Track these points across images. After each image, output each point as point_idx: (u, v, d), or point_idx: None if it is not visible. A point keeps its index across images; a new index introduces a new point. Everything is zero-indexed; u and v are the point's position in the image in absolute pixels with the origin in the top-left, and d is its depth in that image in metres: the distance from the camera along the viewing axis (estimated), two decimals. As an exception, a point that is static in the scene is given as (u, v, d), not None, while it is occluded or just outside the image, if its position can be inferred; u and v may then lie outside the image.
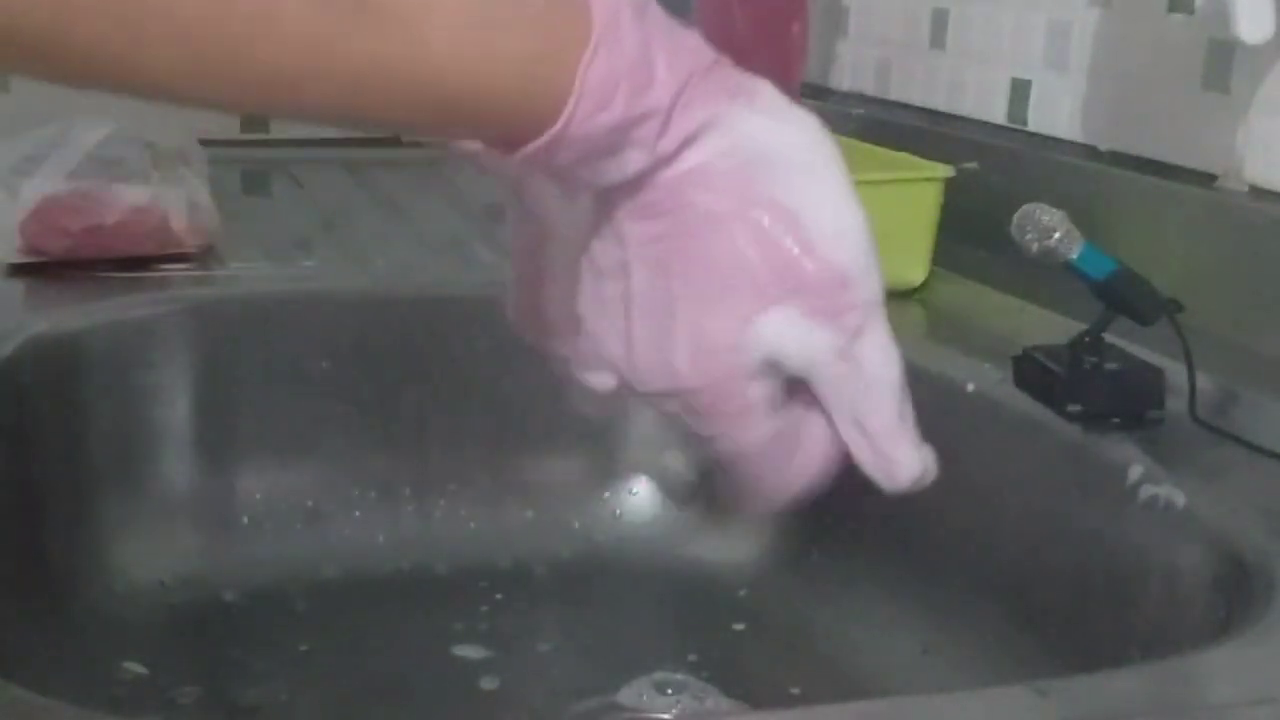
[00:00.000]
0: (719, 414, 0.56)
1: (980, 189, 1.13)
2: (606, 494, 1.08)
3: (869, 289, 0.55)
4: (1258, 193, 1.00)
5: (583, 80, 0.51)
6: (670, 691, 0.92)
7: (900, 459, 0.58)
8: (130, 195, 1.07)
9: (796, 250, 0.54)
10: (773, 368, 0.55)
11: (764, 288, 0.54)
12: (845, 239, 0.55)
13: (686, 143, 0.53)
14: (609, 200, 0.55)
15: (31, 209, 1.06)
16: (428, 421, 1.06)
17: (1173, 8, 1.07)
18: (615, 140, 0.52)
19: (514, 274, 0.61)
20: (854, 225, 0.55)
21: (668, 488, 1.08)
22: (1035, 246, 0.86)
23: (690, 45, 0.54)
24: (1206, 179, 1.03)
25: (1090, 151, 1.15)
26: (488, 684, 0.92)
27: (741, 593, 1.02)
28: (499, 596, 1.02)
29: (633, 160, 0.53)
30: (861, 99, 1.44)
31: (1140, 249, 0.96)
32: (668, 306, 0.55)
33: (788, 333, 0.54)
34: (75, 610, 0.93)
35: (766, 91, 0.55)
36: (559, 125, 0.51)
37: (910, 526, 0.95)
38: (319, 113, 0.51)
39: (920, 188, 1.10)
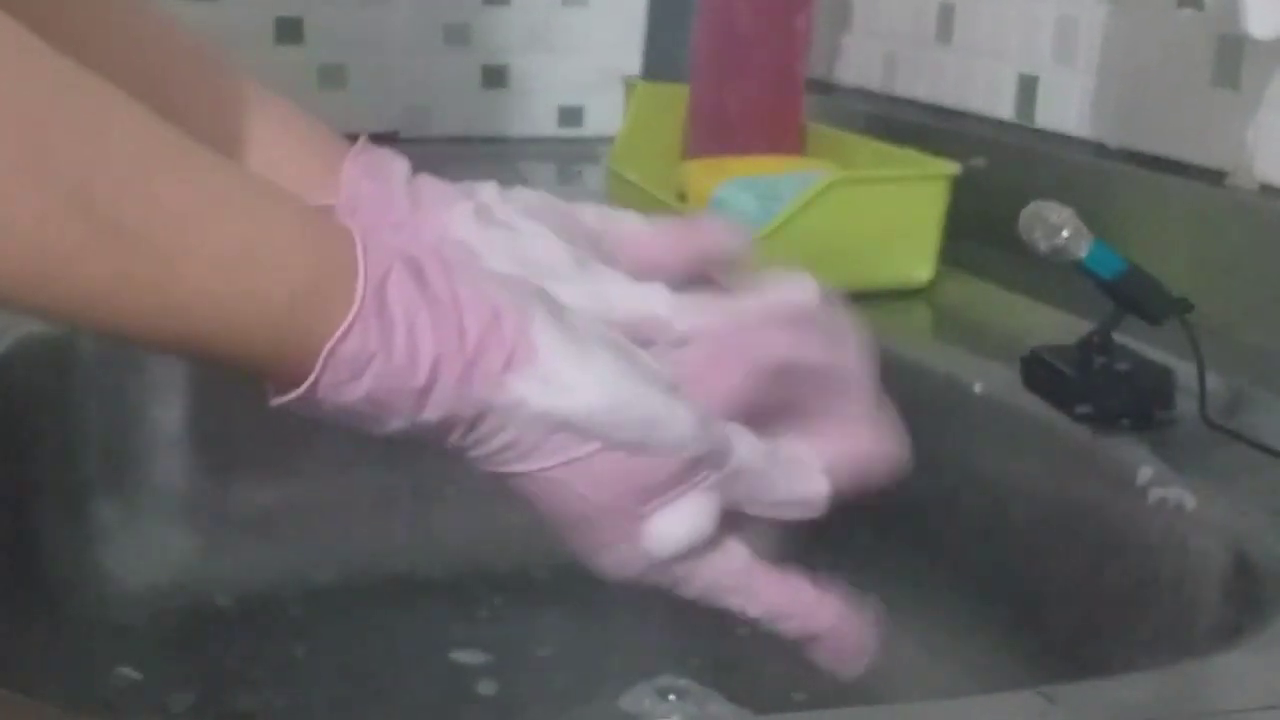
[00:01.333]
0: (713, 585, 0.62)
1: (987, 186, 1.12)
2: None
3: (696, 447, 0.56)
4: (1268, 190, 0.99)
5: (329, 354, 0.50)
6: (672, 697, 0.92)
7: (813, 497, 0.63)
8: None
9: (634, 467, 0.55)
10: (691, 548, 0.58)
11: (627, 514, 0.56)
12: (659, 430, 0.55)
13: (462, 424, 0.53)
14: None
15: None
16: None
17: (1182, 3, 1.06)
18: (371, 408, 0.52)
19: None
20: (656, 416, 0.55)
21: None
22: (1043, 245, 0.85)
23: (473, 303, 0.52)
24: (1216, 176, 1.02)
25: (1099, 148, 1.14)
26: (487, 689, 0.92)
27: (745, 596, 1.01)
28: (498, 601, 1.01)
29: (395, 424, 0.53)
30: (867, 94, 1.43)
31: (1149, 247, 0.96)
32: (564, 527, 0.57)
33: (673, 527, 0.57)
34: (68, 615, 0.93)
35: (547, 341, 0.54)
36: (303, 390, 0.51)
37: (916, 529, 0.94)
38: (62, 317, 0.48)
39: (927, 185, 1.09)
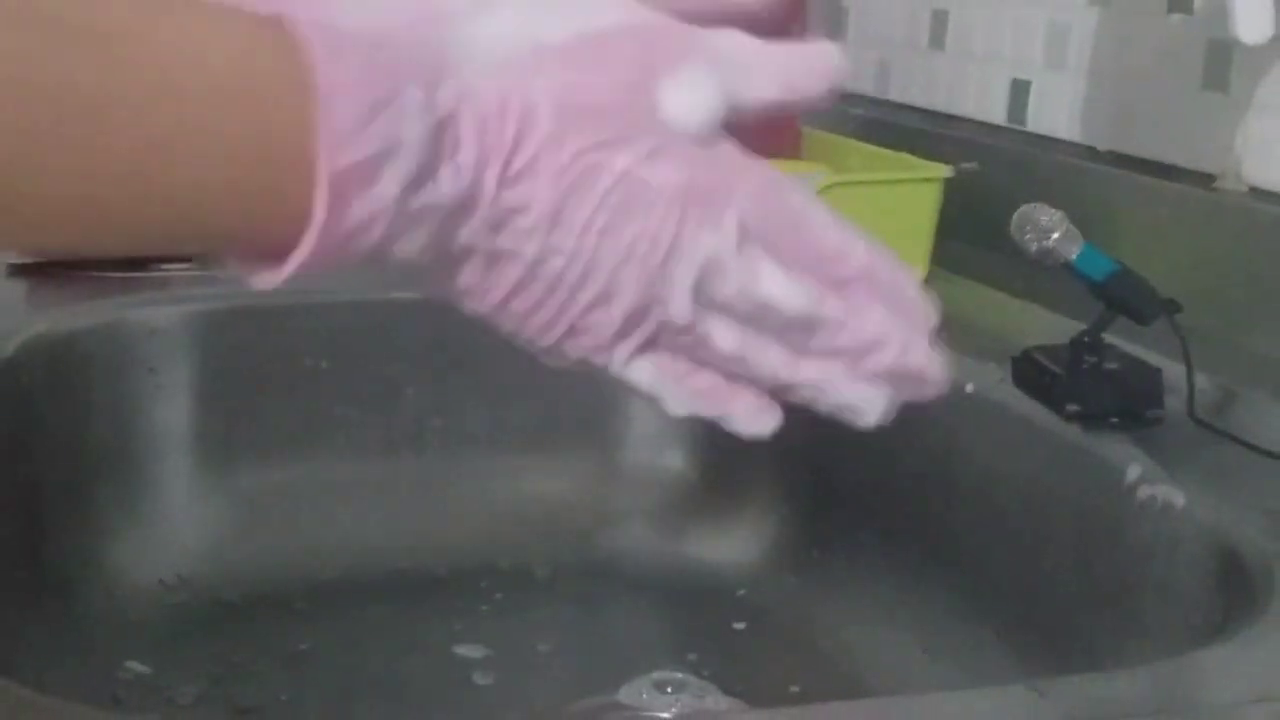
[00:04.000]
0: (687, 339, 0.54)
1: (980, 189, 1.12)
2: (606, 493, 1.08)
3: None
4: (1256, 193, 1.00)
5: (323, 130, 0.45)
6: (670, 690, 0.92)
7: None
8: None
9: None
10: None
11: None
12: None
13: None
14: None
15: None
16: (427, 422, 1.06)
17: (1172, 8, 1.07)
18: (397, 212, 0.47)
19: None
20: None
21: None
22: (1034, 246, 0.86)
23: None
24: (1205, 179, 1.03)
25: (1089, 152, 1.15)
26: (488, 683, 0.92)
27: (741, 591, 1.02)
28: (499, 596, 1.02)
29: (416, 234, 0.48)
30: (861, 99, 1.44)
31: (1139, 249, 0.96)
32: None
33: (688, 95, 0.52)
34: (76, 609, 0.93)
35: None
36: (320, 214, 0.45)
37: (910, 526, 0.95)
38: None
39: (919, 188, 1.10)
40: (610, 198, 0.50)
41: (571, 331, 0.53)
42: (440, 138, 0.48)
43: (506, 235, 0.50)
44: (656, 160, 0.51)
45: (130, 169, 0.44)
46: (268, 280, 0.48)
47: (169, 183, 0.45)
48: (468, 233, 0.50)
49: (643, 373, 0.55)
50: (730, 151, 0.53)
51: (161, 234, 0.48)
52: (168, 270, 1.08)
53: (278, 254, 0.47)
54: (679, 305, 0.52)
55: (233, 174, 0.46)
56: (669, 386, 0.55)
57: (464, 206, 0.49)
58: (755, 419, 0.56)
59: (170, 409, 1.01)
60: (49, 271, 1.06)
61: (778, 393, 0.56)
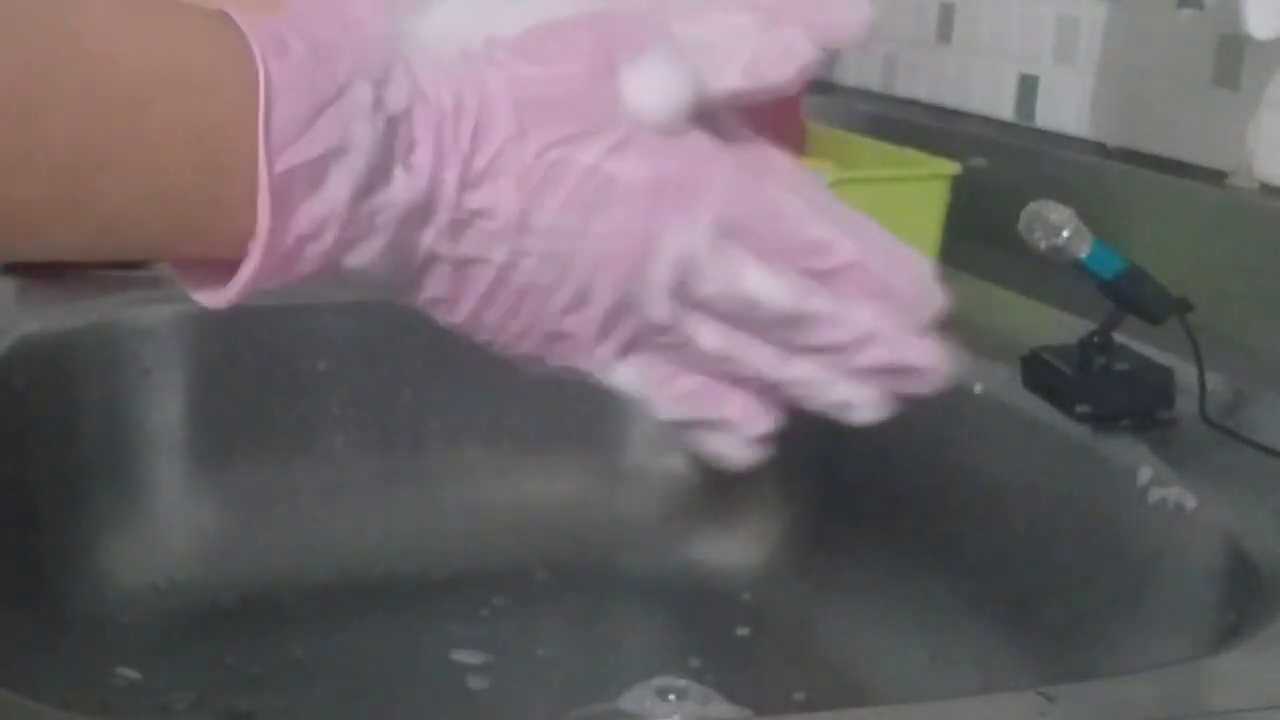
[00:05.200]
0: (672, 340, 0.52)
1: (987, 186, 1.12)
2: (607, 497, 1.07)
3: None
4: (1268, 190, 0.99)
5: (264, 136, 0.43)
6: (672, 697, 0.92)
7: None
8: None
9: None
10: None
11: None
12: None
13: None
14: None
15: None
16: (426, 423, 1.06)
17: (1182, 3, 1.06)
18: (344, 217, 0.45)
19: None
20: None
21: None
22: (1043, 244, 0.85)
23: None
24: (1217, 176, 1.02)
25: (1099, 148, 1.14)
26: (486, 689, 0.92)
27: (745, 597, 1.02)
28: (498, 601, 1.01)
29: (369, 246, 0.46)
30: (867, 95, 1.43)
31: (1149, 247, 0.96)
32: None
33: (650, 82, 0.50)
34: (68, 615, 0.93)
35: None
36: (264, 218, 0.43)
37: (916, 529, 0.95)
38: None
39: (927, 185, 1.10)
40: (578, 195, 0.49)
41: (549, 338, 0.51)
42: (392, 137, 0.46)
43: (472, 240, 0.48)
44: (623, 153, 0.49)
45: (60, 170, 0.42)
46: (213, 300, 0.46)
47: (98, 190, 0.42)
48: (430, 239, 0.48)
49: (628, 377, 0.53)
50: (701, 141, 0.51)
51: (93, 244, 0.45)
52: (161, 269, 1.07)
53: (223, 270, 0.45)
54: (657, 306, 0.51)
55: (167, 181, 0.43)
56: (655, 390, 0.54)
57: (423, 210, 0.47)
58: (750, 422, 0.54)
59: (163, 410, 1.01)
60: (41, 271, 1.05)
61: (767, 393, 0.54)
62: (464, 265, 0.49)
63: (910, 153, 1.14)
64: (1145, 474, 0.79)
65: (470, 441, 1.07)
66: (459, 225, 0.48)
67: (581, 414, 1.07)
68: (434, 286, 0.49)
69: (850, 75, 1.49)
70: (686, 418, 0.55)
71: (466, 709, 0.91)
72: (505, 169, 0.47)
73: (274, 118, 0.43)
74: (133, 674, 0.90)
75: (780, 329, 0.53)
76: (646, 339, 0.52)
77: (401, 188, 0.46)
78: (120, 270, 1.05)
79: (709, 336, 0.52)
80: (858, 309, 0.53)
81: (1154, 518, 0.78)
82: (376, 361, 1.05)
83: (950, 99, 1.33)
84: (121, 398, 0.99)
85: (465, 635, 0.96)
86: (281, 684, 0.91)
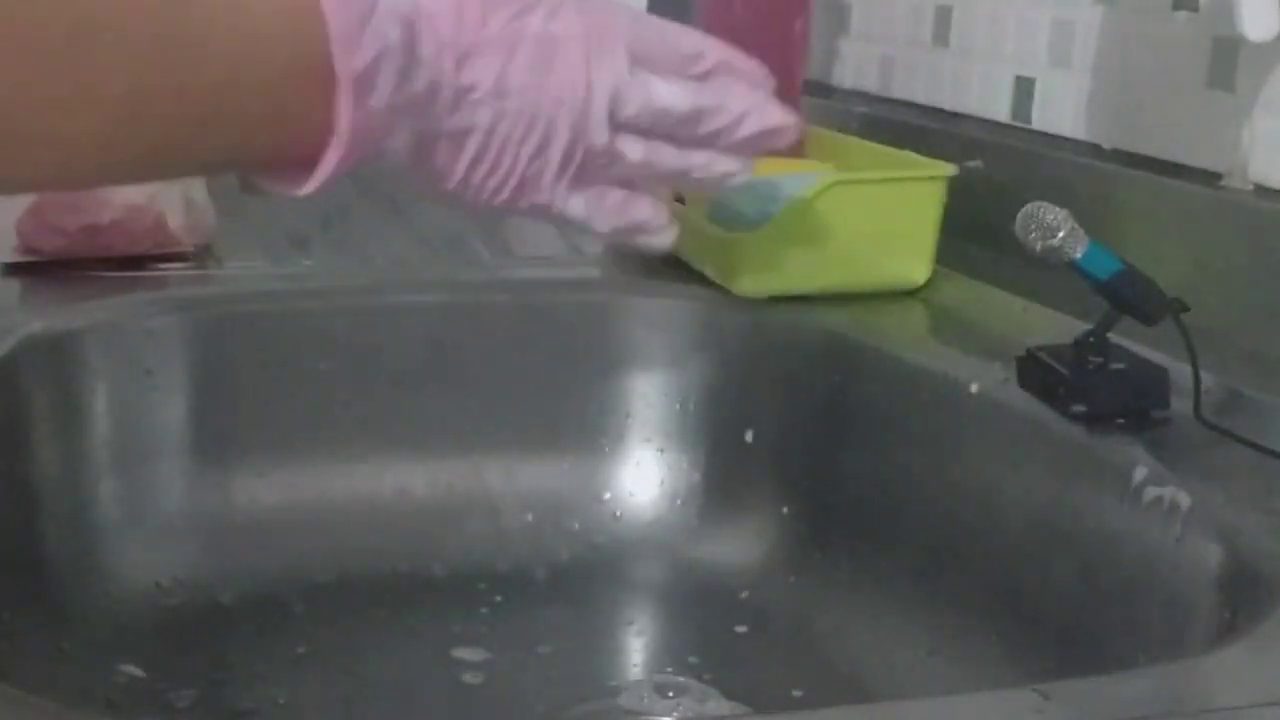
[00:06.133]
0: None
1: (984, 187, 1.12)
2: (606, 495, 1.07)
3: None
4: (1263, 191, 0.99)
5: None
6: (671, 694, 0.92)
7: None
8: (126, 194, 1.07)
9: None
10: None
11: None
12: None
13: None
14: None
15: (27, 207, 1.06)
16: (426, 422, 1.06)
17: (1177, 5, 1.06)
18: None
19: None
20: None
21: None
22: (1039, 245, 0.85)
23: None
24: (1211, 178, 1.02)
25: (1094, 150, 1.14)
26: (487, 686, 0.92)
27: (743, 595, 1.02)
28: (498, 599, 1.01)
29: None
30: (864, 97, 1.44)
31: (1145, 248, 0.96)
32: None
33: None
34: (71, 612, 0.92)
35: None
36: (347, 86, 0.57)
37: (914, 528, 0.95)
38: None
39: (923, 186, 1.10)
40: (534, 57, 0.62)
41: (520, 183, 0.65)
42: (411, 36, 0.57)
43: (464, 112, 0.61)
44: (557, 16, 0.63)
45: (170, 62, 0.52)
46: (297, 188, 0.57)
47: (202, 82, 0.53)
48: (434, 117, 0.60)
49: (577, 205, 0.68)
50: None
51: (194, 142, 0.55)
52: (164, 269, 1.08)
53: (297, 169, 0.57)
54: (599, 133, 0.65)
55: (265, 74, 0.54)
56: (594, 211, 0.68)
57: (430, 94, 0.59)
58: (659, 217, 0.72)
59: (166, 410, 1.01)
60: (45, 271, 1.06)
61: (677, 185, 0.76)
62: (459, 134, 0.62)
63: (907, 154, 1.13)
64: (1140, 473, 0.79)
65: (470, 441, 1.06)
66: (455, 101, 0.61)
67: (581, 412, 1.07)
68: (437, 160, 0.63)
69: (847, 77, 1.49)
70: (617, 226, 0.70)
71: (466, 705, 0.91)
72: (483, 47, 0.60)
73: (336, 31, 0.54)
74: (135, 671, 0.89)
75: (681, 127, 0.68)
76: (590, 165, 0.67)
77: (419, 78, 0.58)
78: (122, 271, 1.06)
79: (633, 149, 0.68)
80: (734, 93, 0.70)
81: (1149, 516, 0.78)
82: (378, 362, 1.05)
83: (947, 101, 1.33)
84: (124, 397, 0.99)
85: (465, 633, 0.96)
86: (283, 681, 0.91)
